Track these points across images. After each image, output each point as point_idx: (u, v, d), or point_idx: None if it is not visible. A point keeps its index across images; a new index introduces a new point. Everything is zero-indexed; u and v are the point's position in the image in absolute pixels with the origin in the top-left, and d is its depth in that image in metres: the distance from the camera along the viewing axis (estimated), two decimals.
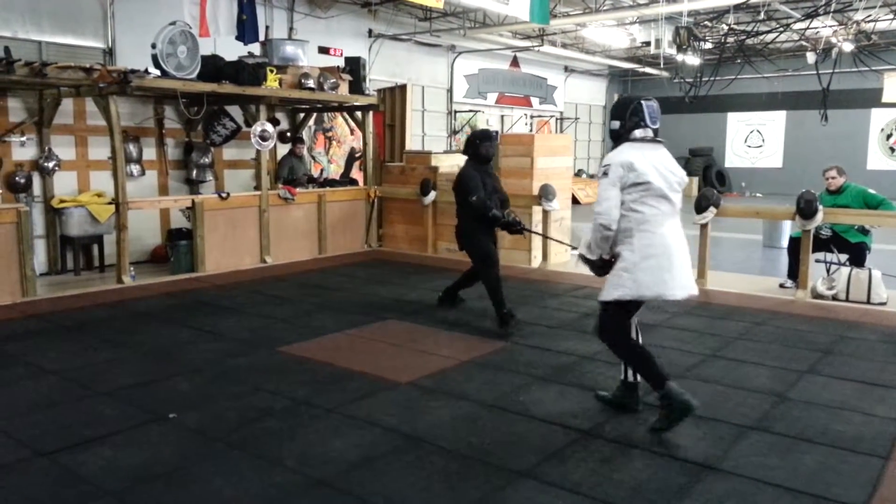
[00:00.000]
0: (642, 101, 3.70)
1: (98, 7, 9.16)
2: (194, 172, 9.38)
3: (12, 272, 6.64)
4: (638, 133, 3.68)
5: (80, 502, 2.95)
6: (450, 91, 17.19)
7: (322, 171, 12.21)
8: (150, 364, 4.81)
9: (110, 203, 7.69)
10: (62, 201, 8.03)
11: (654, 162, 3.62)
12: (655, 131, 3.72)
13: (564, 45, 18.35)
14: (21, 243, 6.67)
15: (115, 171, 7.38)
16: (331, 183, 10.52)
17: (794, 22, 13.14)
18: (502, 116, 19.42)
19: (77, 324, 5.89)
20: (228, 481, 3.13)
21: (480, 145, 5.98)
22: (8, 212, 6.66)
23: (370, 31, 14.10)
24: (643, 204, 3.58)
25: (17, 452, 3.41)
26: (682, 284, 3.63)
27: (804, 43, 15.99)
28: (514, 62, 19.09)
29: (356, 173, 11.29)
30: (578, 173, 20.91)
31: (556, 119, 21.61)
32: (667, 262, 3.58)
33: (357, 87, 9.83)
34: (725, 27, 13.57)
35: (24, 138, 7.84)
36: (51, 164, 8.04)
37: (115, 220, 7.50)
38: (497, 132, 6.21)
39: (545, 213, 8.48)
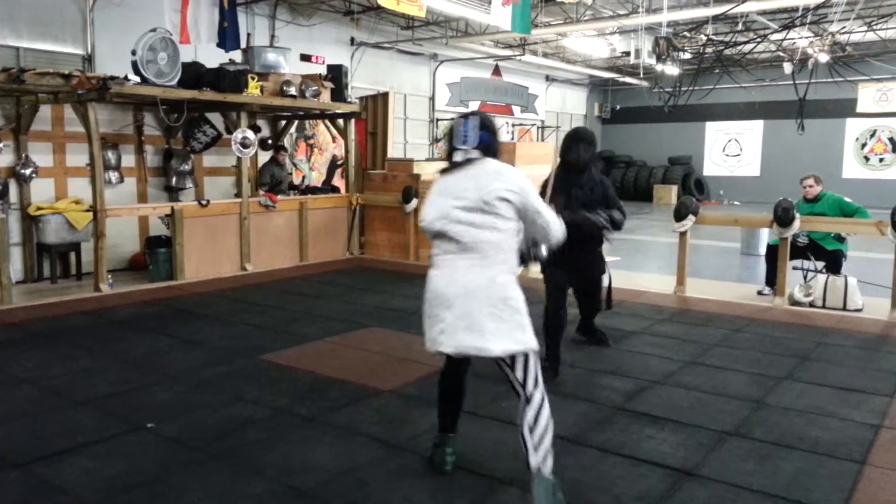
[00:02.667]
0: (456, 120, 3.16)
1: (77, 13, 9.07)
2: (174, 179, 9.31)
3: None
4: (454, 157, 3.10)
5: None
6: (432, 99, 17.23)
7: (304, 178, 12.18)
8: (129, 373, 4.76)
9: (88, 210, 7.61)
10: (39, 208, 7.93)
11: (449, 188, 3.05)
12: (485, 149, 3.08)
13: (545, 55, 18.49)
14: None
15: (94, 178, 7.31)
16: (312, 190, 10.49)
17: (772, 33, 13.35)
18: None
19: (54, 332, 5.81)
20: (209, 492, 3.09)
21: (569, 149, 4.85)
22: None
23: (352, 40, 14.10)
24: (434, 245, 3.12)
25: None
26: (456, 338, 2.92)
27: (781, 53, 16.25)
28: (496, 71, 19.18)
29: (338, 181, 11.27)
30: None
31: (538, 127, 21.73)
32: (439, 313, 2.98)
33: (339, 94, 9.82)
34: (704, 37, 13.75)
35: (0, 145, 7.73)
36: (28, 171, 7.93)
37: (93, 227, 7.42)
38: (593, 133, 5.19)
39: None
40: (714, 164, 23.44)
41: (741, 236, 11.56)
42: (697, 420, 3.94)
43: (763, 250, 8.67)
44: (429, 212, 3.09)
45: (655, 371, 4.83)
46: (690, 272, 7.76)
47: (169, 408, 4.11)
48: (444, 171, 3.17)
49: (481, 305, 2.88)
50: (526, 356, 2.94)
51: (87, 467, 3.32)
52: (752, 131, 22.67)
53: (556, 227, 3.11)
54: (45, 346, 5.42)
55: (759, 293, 7.55)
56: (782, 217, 6.86)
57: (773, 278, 7.26)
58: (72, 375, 4.69)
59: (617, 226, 4.95)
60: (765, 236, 10.08)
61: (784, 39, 13.71)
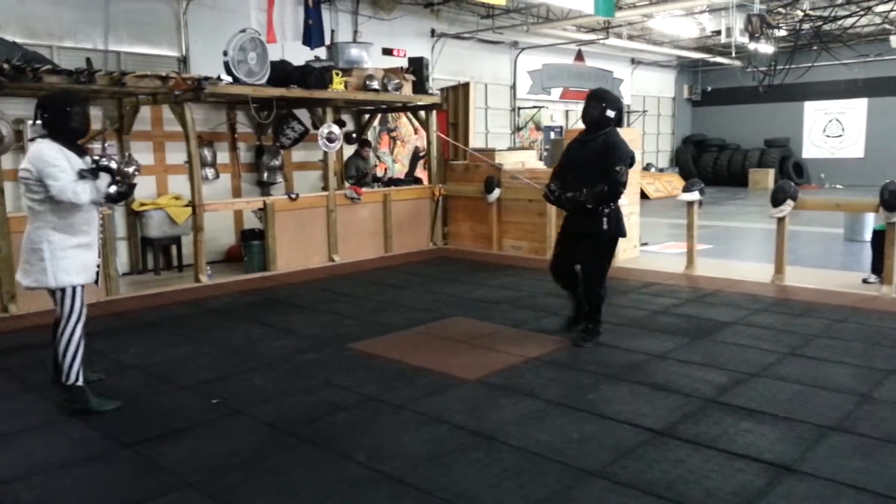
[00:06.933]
0: None
1: (172, 17, 9.52)
2: (265, 175, 9.64)
3: None
4: None
5: (161, 491, 3.07)
6: (513, 88, 17.11)
7: (386, 170, 12.36)
8: (226, 359, 4.97)
9: (187, 205, 7.98)
10: (142, 205, 8.37)
11: None
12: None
13: (631, 37, 18.01)
14: (104, 245, 6.93)
15: (191, 175, 7.65)
16: (395, 182, 10.62)
17: (876, 4, 12.51)
18: (567, 112, 19.21)
19: (157, 321, 6.14)
20: (302, 473, 3.20)
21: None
22: None
23: (433, 31, 14.18)
24: None
25: (102, 443, 3.59)
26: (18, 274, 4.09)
27: (887, 26, 15.20)
28: (579, 56, 18.84)
29: (420, 172, 11.38)
30: (647, 167, 20.48)
31: (625, 112, 21.24)
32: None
33: (420, 86, 9.89)
34: (800, 13, 13.03)
35: (105, 145, 8.19)
36: (131, 170, 8.36)
37: (192, 221, 7.77)
38: (606, 91, 5.81)
39: None
40: (814, 146, 22.27)
41: (844, 222, 10.93)
42: (797, 414, 3.76)
43: (868, 236, 8.17)
44: None
45: (752, 363, 4.64)
46: (790, 260, 7.40)
47: (264, 392, 4.27)
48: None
49: (22, 253, 4.04)
50: (54, 292, 3.97)
51: (189, 448, 3.50)
52: (854, 110, 21.38)
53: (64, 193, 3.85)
54: (149, 333, 5.74)
55: (865, 281, 7.14)
56: (890, 201, 6.44)
57: (879, 266, 6.84)
58: (174, 361, 4.95)
59: (593, 201, 4.88)
60: (870, 221, 9.48)
61: (891, 11, 12.82)
